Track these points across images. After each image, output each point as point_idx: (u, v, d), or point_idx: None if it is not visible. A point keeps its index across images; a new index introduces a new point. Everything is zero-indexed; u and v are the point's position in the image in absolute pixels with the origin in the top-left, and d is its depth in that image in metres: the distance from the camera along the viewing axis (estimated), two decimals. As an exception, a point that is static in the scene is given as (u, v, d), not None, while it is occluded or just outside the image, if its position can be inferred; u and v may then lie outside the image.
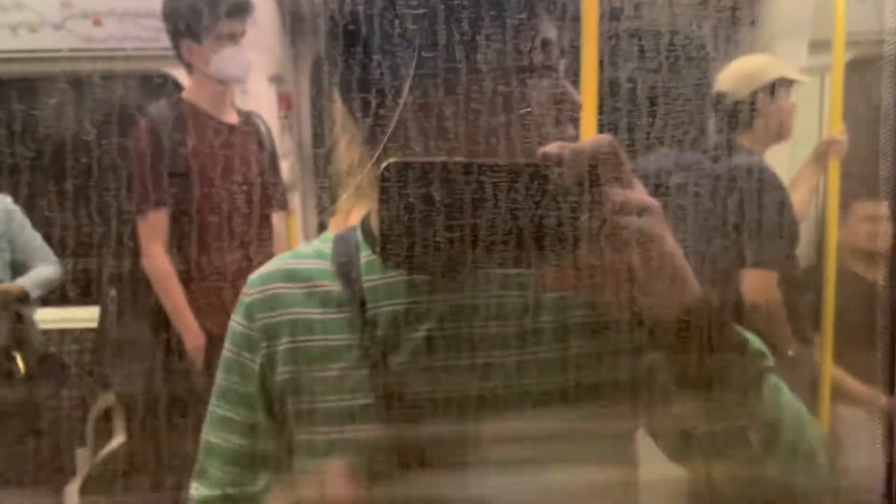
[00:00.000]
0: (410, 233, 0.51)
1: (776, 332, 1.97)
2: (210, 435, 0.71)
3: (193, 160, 2.02)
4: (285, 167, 2.30)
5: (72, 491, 2.17)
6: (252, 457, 0.69)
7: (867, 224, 2.27)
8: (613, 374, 0.66)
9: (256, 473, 0.69)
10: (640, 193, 0.53)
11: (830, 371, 2.14)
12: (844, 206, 2.27)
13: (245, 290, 0.72)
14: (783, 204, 1.91)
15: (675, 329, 0.53)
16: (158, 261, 2.03)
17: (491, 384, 0.65)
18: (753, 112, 2.02)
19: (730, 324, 0.56)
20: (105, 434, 2.31)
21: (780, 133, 2.08)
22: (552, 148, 0.52)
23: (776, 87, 2.06)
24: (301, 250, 0.74)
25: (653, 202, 0.52)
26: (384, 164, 0.51)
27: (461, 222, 0.51)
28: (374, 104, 0.63)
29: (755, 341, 0.60)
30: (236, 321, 0.71)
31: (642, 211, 0.52)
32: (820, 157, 2.20)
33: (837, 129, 2.17)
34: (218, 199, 2.03)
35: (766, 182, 1.87)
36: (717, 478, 0.59)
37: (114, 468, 2.19)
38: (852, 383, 2.16)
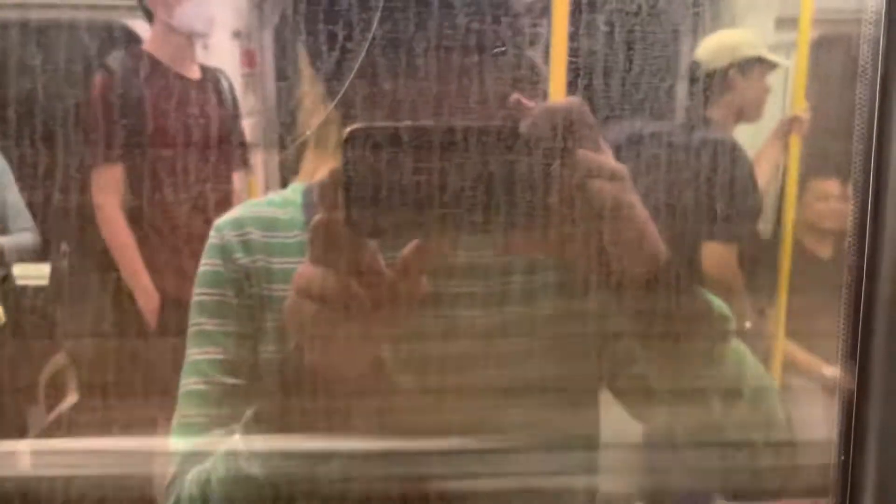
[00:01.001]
0: (375, 201, 0.50)
1: (734, 305, 2.01)
2: (189, 384, 0.69)
3: (152, 115, 1.96)
4: (248, 126, 2.26)
5: (24, 451, 2.13)
6: (233, 393, 0.68)
7: (822, 202, 2.31)
8: (580, 334, 0.67)
9: (240, 409, 0.65)
10: (610, 159, 0.53)
11: (783, 344, 2.19)
12: (802, 184, 2.31)
13: (214, 233, 0.71)
14: (748, 178, 1.93)
15: (641, 291, 0.54)
16: (112, 216, 1.98)
17: (457, 342, 0.65)
18: (723, 86, 2.03)
19: (695, 287, 0.58)
20: (57, 394, 2.27)
21: (749, 113, 2.09)
22: (523, 99, 0.53)
23: (751, 66, 2.07)
24: (272, 198, 0.73)
25: (622, 168, 0.53)
26: (347, 131, 0.50)
27: (427, 187, 0.51)
28: (336, 57, 0.61)
29: (719, 305, 0.62)
30: (211, 263, 0.70)
31: (612, 176, 0.52)
32: (783, 134, 2.23)
33: (801, 107, 2.20)
34: (177, 155, 1.98)
35: (731, 156, 1.89)
36: (678, 435, 0.61)
37: (66, 427, 2.16)
38: (803, 356, 2.22)
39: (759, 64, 2.10)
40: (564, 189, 0.52)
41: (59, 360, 2.28)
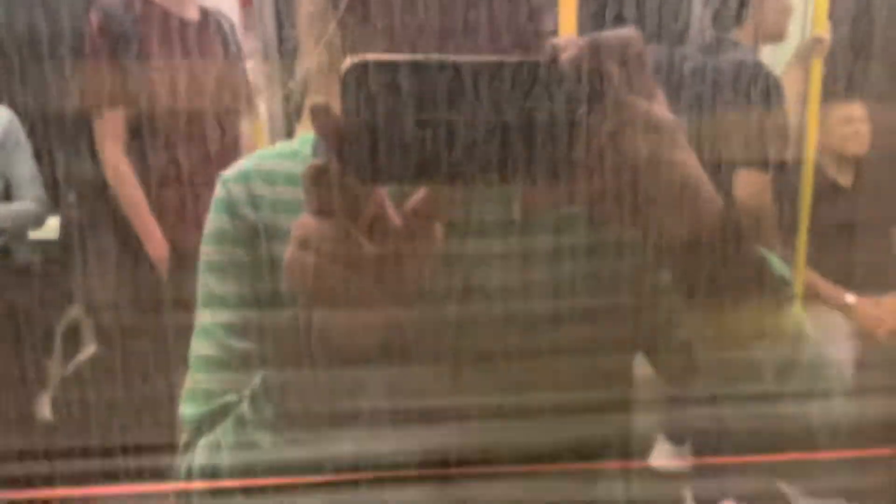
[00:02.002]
0: (378, 144, 0.44)
1: (765, 235, 1.97)
2: (200, 348, 0.65)
3: (150, 58, 1.91)
4: (250, 68, 2.20)
5: (43, 402, 2.16)
6: (244, 357, 0.64)
7: (845, 126, 2.25)
8: (614, 298, 0.62)
9: (251, 374, 0.62)
10: (664, 108, 0.45)
11: (803, 273, 2.16)
12: (824, 108, 2.24)
13: (221, 186, 0.66)
14: (779, 103, 1.85)
15: (690, 249, 0.48)
16: (116, 163, 1.95)
17: (473, 307, 0.61)
18: (748, 6, 1.94)
19: (752, 245, 0.51)
20: (74, 346, 2.28)
21: (773, 33, 2.01)
22: (563, 42, 0.44)
23: None
24: (280, 149, 0.68)
25: (676, 121, 0.45)
26: (346, 63, 0.43)
27: (439, 131, 0.44)
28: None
29: (779, 266, 0.55)
30: (219, 219, 0.65)
31: (666, 130, 0.45)
32: (804, 56, 2.15)
33: (822, 28, 2.11)
34: (179, 101, 1.93)
35: (762, 79, 1.81)
36: (722, 410, 0.56)
37: (85, 378, 2.17)
38: (823, 284, 2.19)
39: None
40: (607, 141, 0.44)
41: (74, 311, 2.28)
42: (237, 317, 0.64)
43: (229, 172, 0.67)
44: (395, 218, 0.47)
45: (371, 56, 0.44)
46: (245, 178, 0.66)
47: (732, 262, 0.49)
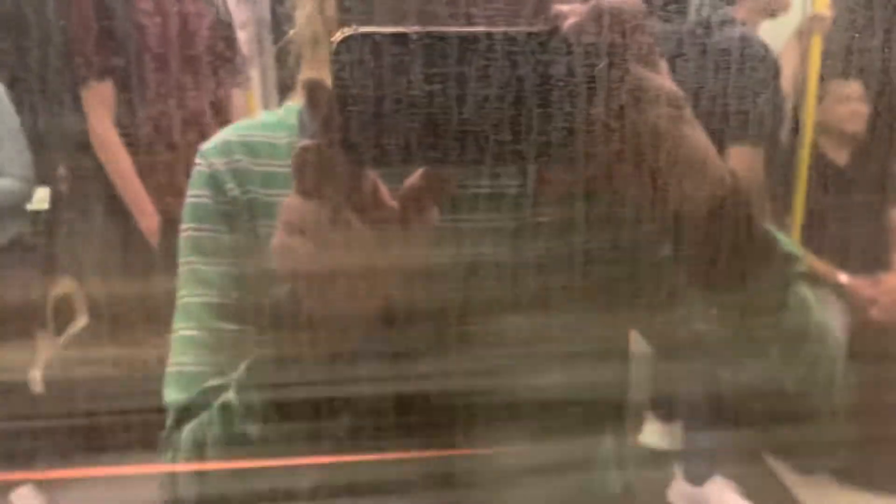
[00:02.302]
0: (372, 122, 0.42)
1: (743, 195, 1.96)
2: (181, 329, 0.63)
3: (142, 27, 1.87)
4: (243, 38, 2.16)
5: (34, 375, 2.15)
6: (229, 339, 0.62)
7: (843, 105, 2.24)
8: (615, 273, 0.61)
9: (237, 357, 0.59)
10: (668, 80, 0.44)
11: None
12: (822, 86, 2.23)
13: (200, 159, 0.63)
14: (775, 79, 1.84)
15: (698, 224, 0.46)
16: (106, 134, 1.91)
17: (476, 281, 0.60)
18: None
19: (759, 220, 0.49)
20: (65, 318, 2.26)
21: (777, 7, 1.98)
22: (566, 9, 0.42)
23: None
24: (265, 119, 0.66)
25: (680, 93, 0.44)
26: (338, 35, 0.41)
27: (439, 106, 0.42)
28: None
29: (787, 243, 0.54)
30: (199, 195, 0.63)
31: (670, 102, 0.44)
32: (804, 33, 2.13)
33: (824, 4, 2.09)
34: (170, 71, 1.90)
35: (759, 56, 1.79)
36: (725, 386, 0.55)
37: (77, 349, 2.16)
38: (818, 264, 2.19)
39: None
40: (610, 113, 0.42)
41: (65, 283, 2.26)
42: (221, 297, 0.62)
43: (209, 145, 0.64)
44: (388, 199, 0.45)
45: (364, 28, 0.41)
46: (227, 150, 0.63)
47: (740, 238, 0.48)
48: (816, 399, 0.56)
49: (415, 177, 0.45)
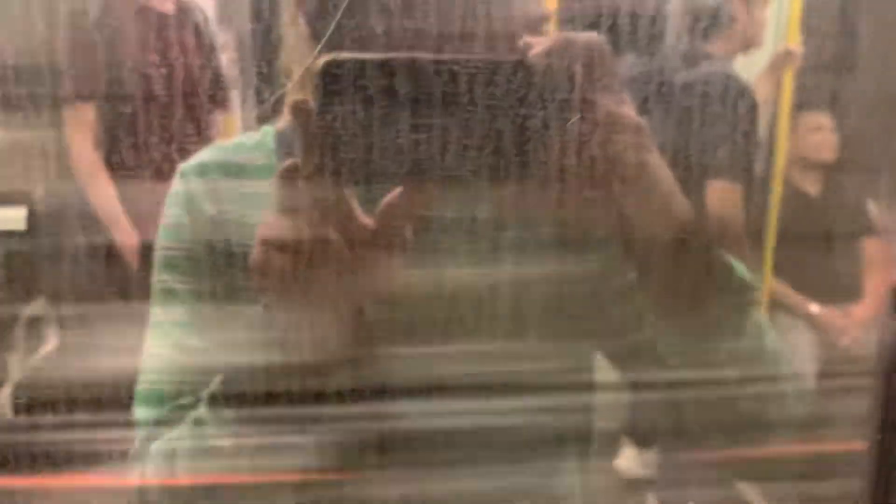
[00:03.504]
0: (354, 145, 0.44)
1: (735, 247, 1.99)
2: (154, 347, 0.63)
3: (125, 50, 1.88)
4: (224, 61, 2.17)
5: (4, 397, 2.12)
6: (202, 357, 0.61)
7: (815, 134, 2.29)
8: (581, 297, 0.62)
9: (209, 375, 0.59)
10: (631, 111, 0.46)
11: (771, 283, 2.19)
12: (793, 117, 2.28)
13: (179, 179, 0.64)
14: (753, 115, 1.87)
15: (658, 251, 0.48)
16: (85, 156, 1.91)
17: (439, 302, 0.61)
18: (727, 17, 1.96)
19: (717, 249, 0.52)
20: (36, 340, 2.23)
21: (750, 44, 2.03)
22: (534, 40, 0.45)
23: None
24: (241, 141, 0.67)
25: (643, 123, 0.46)
26: (322, 62, 0.44)
27: (416, 131, 0.44)
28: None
29: (741, 270, 0.56)
30: (175, 214, 0.63)
31: (633, 132, 0.46)
32: (776, 67, 2.18)
33: (794, 40, 2.15)
34: (152, 94, 1.91)
35: (737, 91, 1.83)
36: (684, 406, 0.57)
37: (47, 373, 2.13)
38: (791, 294, 2.22)
39: None
40: (576, 141, 0.44)
41: (37, 305, 2.24)
42: (194, 315, 0.62)
43: (187, 165, 0.65)
44: (364, 219, 0.46)
45: (344, 55, 0.44)
46: (204, 170, 0.64)
47: (698, 266, 0.50)
48: (772, 423, 0.57)
49: (392, 196, 0.46)
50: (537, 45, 0.45)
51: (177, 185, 0.64)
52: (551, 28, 0.57)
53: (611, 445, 2.28)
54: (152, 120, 1.90)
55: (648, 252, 0.49)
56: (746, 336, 0.55)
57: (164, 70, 1.91)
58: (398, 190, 0.46)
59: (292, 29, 0.62)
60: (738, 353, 0.54)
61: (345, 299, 0.47)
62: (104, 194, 1.92)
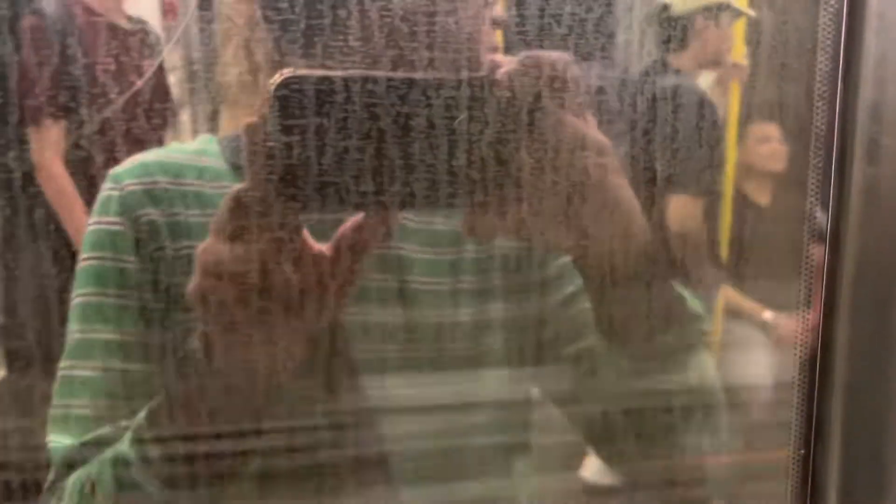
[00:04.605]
0: (307, 166, 0.42)
1: (697, 262, 2.02)
2: (73, 367, 0.58)
3: (87, 65, 1.84)
4: (172, 82, 2.14)
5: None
6: (129, 381, 0.57)
7: (764, 145, 2.34)
8: (529, 335, 0.63)
9: (133, 401, 0.55)
10: (596, 130, 0.46)
11: (725, 291, 2.22)
12: (742, 128, 2.33)
13: (110, 184, 0.60)
14: (717, 129, 1.90)
15: (612, 272, 0.48)
16: (56, 173, 1.85)
17: (385, 344, 0.59)
18: (691, 31, 1.98)
19: (671, 280, 0.52)
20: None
21: (713, 61, 2.06)
22: (500, 59, 0.45)
23: (719, 13, 2.03)
24: (178, 146, 0.64)
25: (608, 143, 0.46)
26: (277, 78, 0.41)
27: (376, 151, 0.42)
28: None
29: (693, 302, 0.56)
30: (106, 221, 0.59)
31: (598, 151, 0.45)
32: (723, 80, 2.22)
33: (740, 54, 2.19)
34: (115, 111, 1.86)
35: (700, 105, 1.85)
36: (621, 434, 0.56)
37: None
38: (742, 301, 2.26)
39: (730, 12, 2.07)
40: (541, 160, 0.44)
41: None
42: (121, 333, 0.58)
43: (120, 168, 0.61)
44: (315, 246, 0.44)
45: (303, 71, 0.42)
46: (143, 172, 0.60)
47: (652, 295, 0.49)
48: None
49: (350, 224, 0.45)
50: (504, 64, 0.44)
51: (107, 191, 0.60)
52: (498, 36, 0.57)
53: (577, 454, 2.28)
54: (113, 137, 1.85)
55: (602, 273, 0.48)
56: (688, 370, 0.55)
57: (125, 86, 1.87)
58: (356, 217, 0.44)
59: (235, 37, 0.60)
60: (677, 386, 0.55)
61: (291, 333, 0.45)
62: (76, 213, 1.87)
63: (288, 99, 0.41)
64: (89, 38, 1.87)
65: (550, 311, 0.63)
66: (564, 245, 0.47)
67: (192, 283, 0.44)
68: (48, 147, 1.86)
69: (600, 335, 0.53)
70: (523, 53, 0.44)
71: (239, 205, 0.42)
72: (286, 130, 0.41)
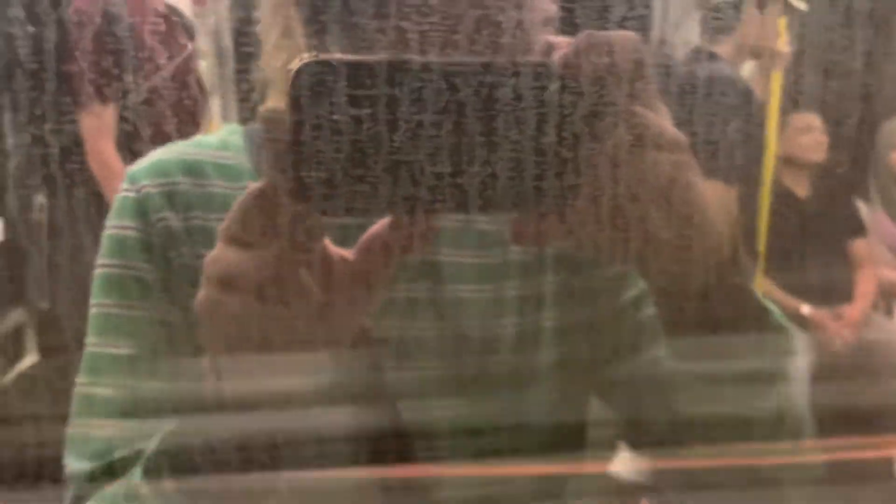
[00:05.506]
0: (331, 162, 0.36)
1: (736, 250, 1.97)
2: (90, 385, 0.54)
3: (133, 48, 1.84)
4: (203, 69, 2.14)
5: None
6: (145, 401, 0.53)
7: (805, 135, 2.27)
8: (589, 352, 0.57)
9: (148, 424, 0.51)
10: (670, 123, 0.39)
11: (761, 284, 2.17)
12: (783, 118, 2.27)
13: (128, 184, 0.55)
14: (757, 117, 1.84)
15: (686, 289, 0.41)
16: (108, 158, 1.84)
17: (424, 362, 0.55)
18: (736, 19, 1.92)
19: (753, 293, 0.45)
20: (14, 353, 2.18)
21: (757, 51, 2.00)
22: (556, 41, 0.38)
23: (767, 2, 1.97)
24: (202, 140, 0.59)
25: (683, 137, 0.39)
26: (296, 63, 0.36)
27: (410, 148, 0.36)
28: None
29: (778, 315, 0.49)
30: (122, 225, 0.54)
31: (673, 147, 0.38)
32: (765, 69, 2.17)
33: (782, 41, 2.13)
34: (160, 95, 1.86)
35: (741, 93, 1.79)
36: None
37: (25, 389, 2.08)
38: (779, 295, 2.20)
39: (777, 2, 2.00)
40: (606, 158, 0.37)
41: (16, 316, 2.18)
42: (138, 348, 0.53)
43: (138, 166, 0.56)
44: (337, 251, 0.40)
45: (326, 55, 0.36)
46: (162, 171, 0.55)
47: (732, 309, 0.43)
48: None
49: (379, 226, 0.39)
50: (560, 46, 0.37)
51: (126, 191, 0.55)
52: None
53: (608, 448, 2.25)
54: (156, 124, 1.86)
55: (671, 282, 0.42)
56: (771, 397, 0.48)
57: (170, 71, 1.88)
58: (385, 221, 0.39)
59: (276, 26, 0.56)
60: (759, 412, 0.48)
61: (311, 351, 0.39)
62: None
63: (309, 87, 0.36)
64: (135, 24, 1.87)
65: (612, 316, 0.58)
66: (628, 254, 0.40)
67: (199, 296, 0.39)
68: (99, 130, 1.86)
69: (669, 348, 0.47)
70: (583, 35, 0.37)
71: (254, 207, 0.37)
72: (307, 122, 0.36)
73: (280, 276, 0.37)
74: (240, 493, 0.44)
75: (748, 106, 1.79)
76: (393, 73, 0.36)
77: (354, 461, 0.50)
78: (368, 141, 0.36)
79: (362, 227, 0.40)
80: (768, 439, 0.49)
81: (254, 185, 0.37)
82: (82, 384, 0.55)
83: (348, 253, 0.40)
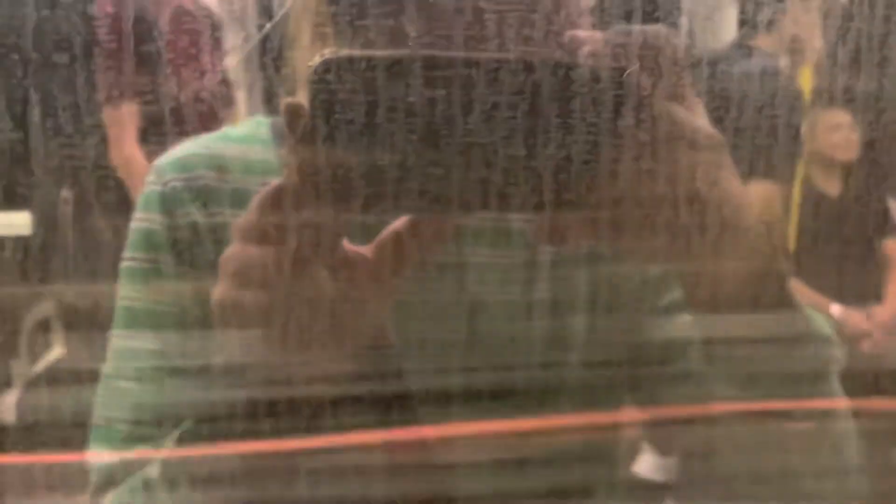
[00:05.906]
0: (352, 159, 0.36)
1: (776, 252, 1.94)
2: (114, 377, 0.54)
3: (161, 43, 1.85)
4: (229, 64, 2.15)
5: (9, 403, 2.09)
6: (165, 396, 0.53)
7: (835, 133, 2.23)
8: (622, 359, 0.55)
9: (169, 418, 0.51)
10: (705, 120, 0.38)
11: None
12: (811, 115, 2.23)
13: (154, 177, 0.55)
14: (801, 112, 1.80)
15: (721, 297, 0.39)
16: (132, 154, 1.86)
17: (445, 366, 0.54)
18: (778, 11, 1.88)
19: (794, 298, 0.43)
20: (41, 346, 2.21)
21: (795, 45, 1.96)
22: (584, 35, 0.36)
23: None
24: (228, 132, 0.59)
25: (719, 135, 0.38)
26: (315, 61, 0.36)
27: (430, 145, 0.36)
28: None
29: (821, 323, 0.47)
30: (147, 218, 0.54)
31: (708, 145, 0.37)
32: (796, 64, 2.13)
33: (817, 35, 2.10)
34: (184, 93, 1.88)
35: (785, 87, 1.75)
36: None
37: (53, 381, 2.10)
38: (809, 294, 2.17)
39: None
40: (638, 157, 0.35)
41: (44, 308, 2.21)
42: (161, 342, 0.53)
43: (165, 159, 0.56)
44: (353, 248, 0.39)
45: (347, 51, 0.36)
46: (188, 166, 0.55)
47: (769, 314, 0.41)
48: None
49: (397, 225, 0.39)
50: (588, 41, 0.36)
51: (151, 184, 0.56)
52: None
53: (631, 449, 2.23)
54: (182, 119, 1.87)
55: (707, 287, 0.40)
56: (814, 415, 0.46)
57: (198, 67, 1.89)
58: (405, 219, 0.38)
59: (308, 14, 0.55)
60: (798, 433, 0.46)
61: (328, 353, 0.39)
62: None
63: (329, 83, 0.36)
64: (163, 16, 1.88)
65: (644, 322, 0.56)
66: (660, 255, 0.39)
67: (216, 292, 0.39)
68: (123, 127, 1.87)
69: (705, 356, 0.45)
70: (613, 30, 0.37)
71: (271, 203, 0.37)
72: (328, 118, 0.36)
73: (297, 273, 0.37)
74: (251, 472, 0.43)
75: (797, 103, 1.75)
76: (414, 69, 0.36)
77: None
78: (387, 137, 0.36)
79: (380, 225, 0.40)
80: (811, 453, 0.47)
81: (272, 182, 0.37)
82: (107, 376, 0.55)
83: (366, 250, 0.39)
